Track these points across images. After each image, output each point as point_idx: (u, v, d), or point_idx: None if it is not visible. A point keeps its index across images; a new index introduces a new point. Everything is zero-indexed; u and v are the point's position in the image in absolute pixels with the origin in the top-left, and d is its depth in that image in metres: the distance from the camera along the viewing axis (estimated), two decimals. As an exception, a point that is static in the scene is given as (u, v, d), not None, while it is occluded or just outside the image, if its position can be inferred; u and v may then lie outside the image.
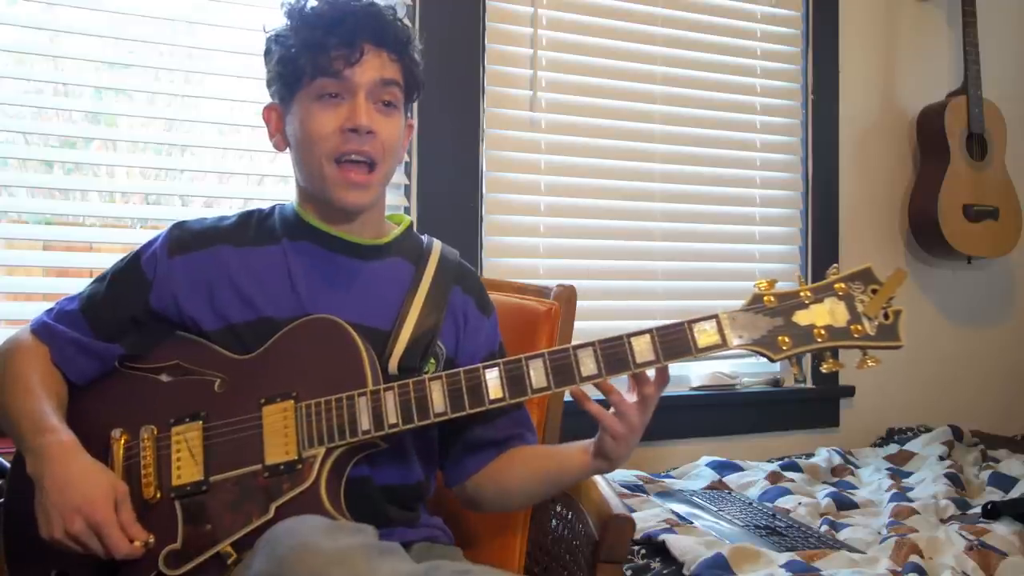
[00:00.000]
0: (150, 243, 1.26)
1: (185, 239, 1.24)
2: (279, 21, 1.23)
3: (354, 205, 1.21)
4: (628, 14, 2.46)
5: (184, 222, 1.28)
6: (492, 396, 1.10)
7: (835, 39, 2.72)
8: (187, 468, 1.13)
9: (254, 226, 1.27)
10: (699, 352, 1.08)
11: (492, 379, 1.10)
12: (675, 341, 1.08)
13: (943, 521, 1.98)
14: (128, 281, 1.24)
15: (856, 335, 1.07)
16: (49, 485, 1.07)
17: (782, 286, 1.10)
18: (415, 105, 1.25)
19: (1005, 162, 2.82)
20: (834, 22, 2.72)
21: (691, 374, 2.55)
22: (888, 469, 2.39)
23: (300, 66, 1.18)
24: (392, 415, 1.10)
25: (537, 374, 1.09)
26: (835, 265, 1.13)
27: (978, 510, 2.01)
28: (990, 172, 2.79)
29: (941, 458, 2.41)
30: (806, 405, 2.69)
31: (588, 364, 1.09)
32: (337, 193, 1.19)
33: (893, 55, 2.86)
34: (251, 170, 2.14)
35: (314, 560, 0.91)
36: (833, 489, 2.18)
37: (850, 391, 2.73)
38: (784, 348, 1.07)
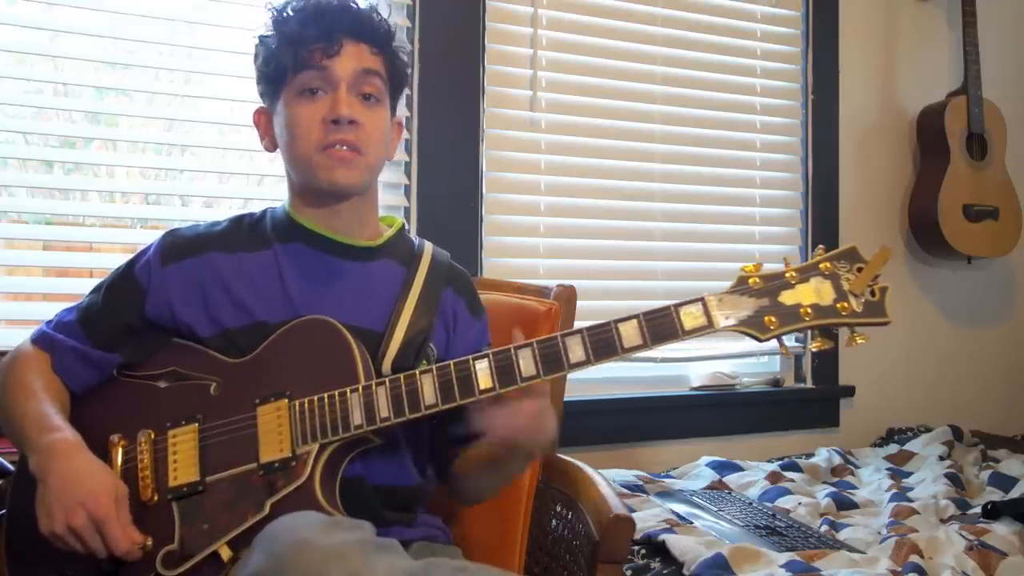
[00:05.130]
0: (143, 252, 1.27)
1: (177, 246, 1.26)
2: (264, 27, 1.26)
3: (342, 182, 1.21)
4: (628, 14, 2.46)
5: (176, 230, 1.29)
6: (482, 386, 1.09)
7: (835, 39, 2.72)
8: (183, 469, 1.14)
9: (245, 231, 1.28)
10: (686, 334, 1.07)
11: (482, 369, 1.10)
12: (662, 324, 1.08)
13: (943, 521, 1.98)
14: (123, 291, 1.25)
15: (843, 312, 1.07)
16: (53, 480, 1.07)
17: (768, 268, 1.10)
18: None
19: (1005, 162, 2.82)
20: (834, 22, 2.72)
21: (691, 374, 2.55)
22: (888, 469, 2.38)
23: (282, 63, 1.21)
24: (384, 409, 1.10)
25: (526, 363, 1.09)
26: (821, 245, 1.12)
27: (978, 510, 2.00)
28: (990, 172, 2.79)
29: (941, 458, 2.41)
30: (806, 405, 2.69)
31: (576, 351, 1.08)
32: (325, 174, 1.20)
33: (893, 55, 2.86)
34: (251, 170, 2.14)
35: (312, 556, 0.91)
36: (833, 489, 2.18)
37: (850, 391, 2.73)
38: (771, 328, 1.07)
